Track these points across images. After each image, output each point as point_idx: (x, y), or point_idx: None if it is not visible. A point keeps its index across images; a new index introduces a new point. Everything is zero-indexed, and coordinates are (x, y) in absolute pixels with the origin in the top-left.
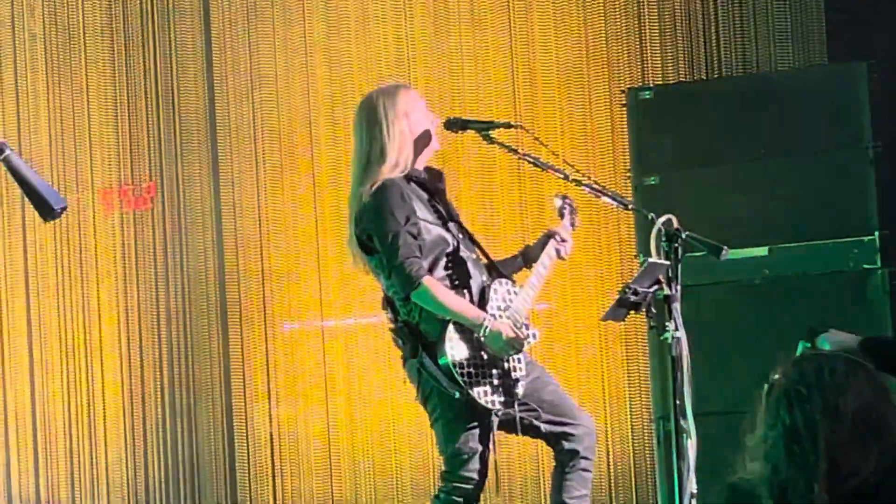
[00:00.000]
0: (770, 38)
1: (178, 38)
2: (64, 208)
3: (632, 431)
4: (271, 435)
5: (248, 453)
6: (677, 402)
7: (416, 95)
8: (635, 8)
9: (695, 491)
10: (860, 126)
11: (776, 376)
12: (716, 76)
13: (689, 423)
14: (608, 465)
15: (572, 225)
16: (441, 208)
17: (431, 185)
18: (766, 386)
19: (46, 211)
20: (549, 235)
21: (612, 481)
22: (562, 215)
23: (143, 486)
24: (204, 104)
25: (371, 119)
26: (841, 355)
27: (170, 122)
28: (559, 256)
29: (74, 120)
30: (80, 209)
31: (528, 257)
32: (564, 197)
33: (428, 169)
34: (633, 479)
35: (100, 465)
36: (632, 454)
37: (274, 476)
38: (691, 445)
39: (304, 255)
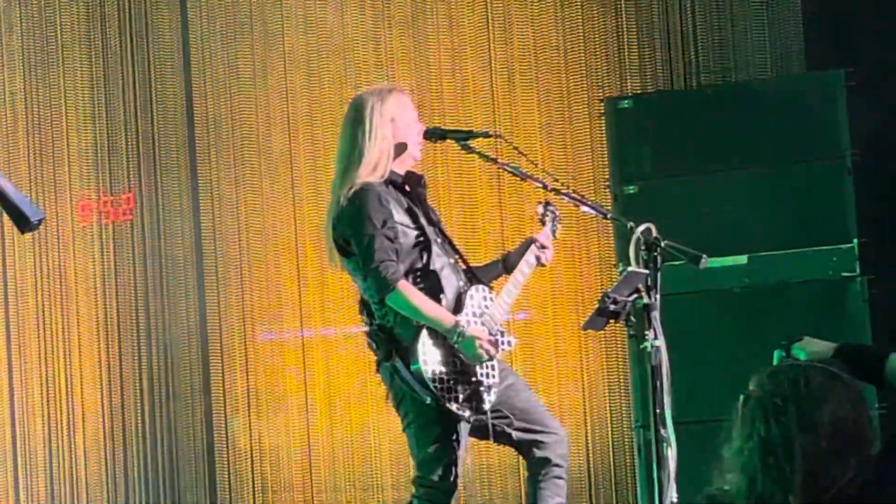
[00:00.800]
0: (748, 46)
1: (156, 48)
2: (41, 220)
3: (612, 440)
4: (251, 445)
5: (228, 464)
6: (657, 410)
7: (407, 102)
8: (614, 18)
9: (675, 499)
10: (838, 134)
11: (752, 387)
12: (694, 85)
13: (670, 432)
14: (588, 473)
15: (553, 233)
16: (420, 212)
17: (412, 189)
18: (741, 397)
19: (23, 223)
20: (530, 242)
21: (593, 490)
22: (543, 222)
23: (123, 495)
24: (182, 114)
25: (357, 119)
26: (817, 366)
27: (148, 133)
28: (539, 263)
29: (52, 131)
30: (58, 220)
31: (508, 264)
32: (547, 204)
33: (409, 173)
34: (613, 487)
35: (79, 473)
36: (612, 463)
37: (254, 486)
38: (671, 454)
39: (283, 265)
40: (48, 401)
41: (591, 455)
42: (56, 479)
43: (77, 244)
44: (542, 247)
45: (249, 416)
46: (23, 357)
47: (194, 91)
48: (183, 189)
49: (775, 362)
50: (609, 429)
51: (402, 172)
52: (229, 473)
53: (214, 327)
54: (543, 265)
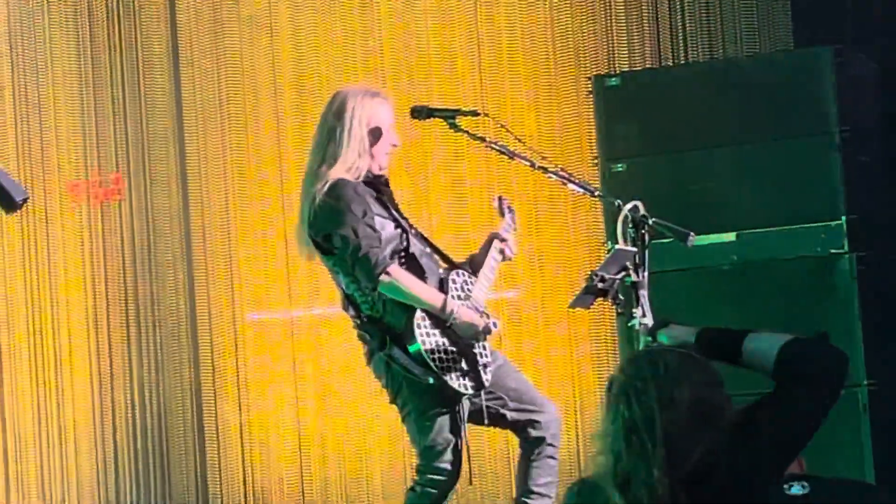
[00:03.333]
0: (736, 23)
1: (144, 30)
2: (25, 199)
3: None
4: (241, 427)
5: (218, 447)
6: None
7: (388, 110)
8: None
9: None
10: (827, 111)
11: (615, 373)
12: (682, 62)
13: None
14: (577, 452)
15: (512, 222)
16: (391, 207)
17: (381, 189)
18: (606, 383)
19: (7, 203)
20: (491, 239)
21: (582, 469)
22: (502, 214)
23: (114, 481)
24: (170, 94)
25: (337, 115)
26: (674, 350)
27: (136, 113)
28: (504, 257)
29: (40, 112)
30: (46, 200)
31: (475, 263)
32: (500, 198)
33: (376, 176)
34: None
35: (69, 458)
36: None
37: (243, 463)
38: None
39: (271, 244)
40: (37, 379)
41: (579, 433)
42: (45, 457)
43: (66, 224)
44: (503, 240)
45: (239, 394)
46: (10, 336)
47: (182, 70)
48: (171, 169)
49: (642, 347)
50: (598, 406)
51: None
52: (218, 452)
53: (203, 306)
54: (508, 258)
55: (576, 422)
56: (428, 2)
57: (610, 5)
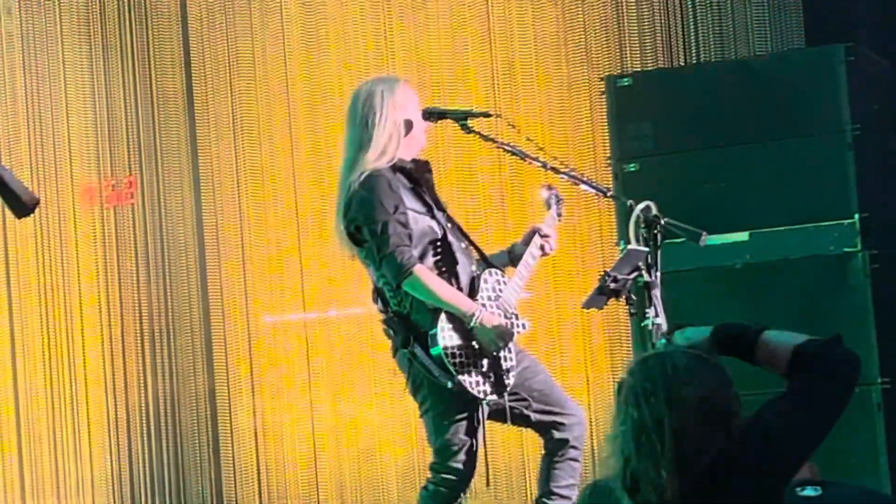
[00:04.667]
0: (748, 22)
1: (156, 32)
2: (37, 204)
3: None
4: (255, 430)
5: (233, 449)
6: None
7: (412, 92)
8: None
9: None
10: (838, 109)
11: (624, 376)
12: (694, 62)
13: None
14: (591, 451)
15: (559, 215)
16: (428, 198)
17: (419, 175)
18: (616, 386)
19: (20, 208)
20: (533, 232)
21: (597, 468)
22: (549, 206)
23: (129, 483)
24: (183, 99)
25: (367, 105)
26: (683, 350)
27: (148, 116)
28: (543, 252)
29: (53, 116)
30: (59, 204)
31: (513, 255)
32: (550, 187)
33: (415, 160)
34: None
35: (83, 460)
36: None
37: (258, 467)
38: None
39: (284, 247)
40: (52, 385)
41: (594, 433)
42: (60, 459)
43: (79, 228)
44: (545, 235)
45: (253, 398)
46: (26, 341)
47: (194, 74)
48: (184, 172)
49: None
50: (612, 407)
51: (409, 159)
52: (233, 454)
53: (217, 309)
54: (547, 254)
55: (589, 423)
56: (440, 4)
57: (621, 5)
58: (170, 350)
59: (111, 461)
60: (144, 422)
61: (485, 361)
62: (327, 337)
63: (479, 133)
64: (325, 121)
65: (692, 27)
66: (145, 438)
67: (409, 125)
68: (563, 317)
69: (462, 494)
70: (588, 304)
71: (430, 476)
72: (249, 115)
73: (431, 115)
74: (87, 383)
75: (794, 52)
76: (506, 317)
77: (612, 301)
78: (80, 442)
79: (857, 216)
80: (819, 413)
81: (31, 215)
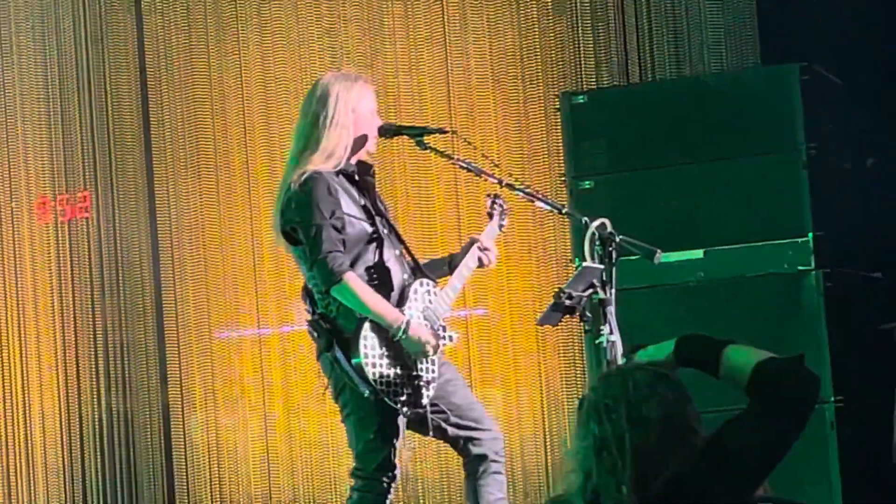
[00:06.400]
0: (703, 41)
1: (112, 46)
2: None
3: (569, 434)
4: (209, 445)
5: (187, 464)
6: None
7: (370, 93)
8: (569, 13)
9: None
10: (793, 128)
11: (586, 392)
12: (649, 79)
13: None
14: (546, 468)
15: (500, 227)
16: (368, 203)
17: (361, 178)
18: (578, 402)
19: None
20: (472, 243)
21: (551, 486)
22: (490, 216)
23: (81, 493)
24: (138, 112)
25: (320, 102)
26: (644, 367)
27: (103, 130)
28: (480, 264)
29: (6, 129)
30: (13, 218)
31: (453, 264)
32: (495, 197)
33: (360, 162)
34: None
35: (36, 470)
36: None
37: (211, 483)
38: None
39: (239, 262)
40: (3, 397)
41: (548, 449)
42: (12, 474)
43: (34, 241)
44: (485, 248)
45: (207, 412)
46: None
47: (150, 88)
48: (139, 186)
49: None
50: (566, 423)
51: (354, 163)
52: (187, 470)
53: (171, 324)
54: (484, 267)
55: (544, 438)
56: (395, 21)
57: (577, 23)
58: (124, 365)
59: (63, 476)
60: (98, 436)
61: (406, 373)
62: (282, 352)
63: (434, 149)
64: (280, 137)
65: (647, 45)
66: (98, 453)
67: (358, 129)
68: (517, 333)
69: (386, 498)
70: (542, 321)
71: (352, 482)
72: (205, 130)
73: (387, 131)
74: (41, 397)
75: (750, 71)
76: (433, 328)
77: (566, 318)
78: (33, 457)
79: (811, 235)
80: (778, 434)
81: None
